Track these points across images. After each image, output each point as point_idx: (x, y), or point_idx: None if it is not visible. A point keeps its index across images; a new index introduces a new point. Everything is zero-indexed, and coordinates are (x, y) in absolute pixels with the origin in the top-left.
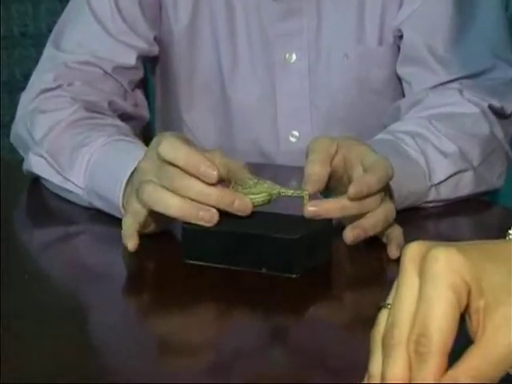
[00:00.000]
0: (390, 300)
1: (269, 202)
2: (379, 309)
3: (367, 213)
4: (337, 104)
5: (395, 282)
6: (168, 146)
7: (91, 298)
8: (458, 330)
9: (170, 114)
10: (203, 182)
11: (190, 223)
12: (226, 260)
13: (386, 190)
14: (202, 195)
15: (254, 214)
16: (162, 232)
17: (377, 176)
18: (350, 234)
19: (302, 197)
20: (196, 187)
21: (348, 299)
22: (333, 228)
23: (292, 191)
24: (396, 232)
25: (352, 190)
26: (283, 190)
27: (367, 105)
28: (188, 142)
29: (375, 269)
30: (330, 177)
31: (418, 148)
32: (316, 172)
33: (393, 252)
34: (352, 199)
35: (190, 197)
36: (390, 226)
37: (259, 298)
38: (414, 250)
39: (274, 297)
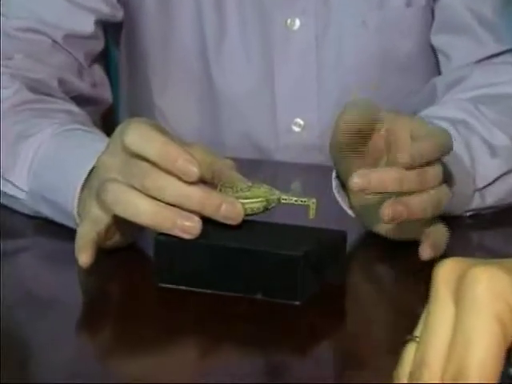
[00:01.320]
0: (418, 332)
1: (265, 209)
2: (405, 343)
3: (409, 193)
4: (352, 85)
5: (425, 309)
6: (136, 135)
7: (38, 332)
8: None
9: (138, 97)
10: (182, 180)
11: (164, 234)
12: (210, 283)
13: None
14: (181, 197)
15: (246, 223)
16: (129, 246)
17: (434, 141)
18: (388, 210)
19: (308, 205)
20: (173, 187)
21: (366, 332)
22: (346, 242)
23: (295, 198)
24: (440, 231)
25: (404, 154)
26: (284, 197)
27: (392, 85)
28: (162, 131)
29: (401, 294)
30: (363, 156)
31: (461, 139)
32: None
33: (426, 252)
34: (408, 167)
35: (165, 199)
36: (434, 221)
37: (253, 331)
38: (448, 268)
39: (272, 330)
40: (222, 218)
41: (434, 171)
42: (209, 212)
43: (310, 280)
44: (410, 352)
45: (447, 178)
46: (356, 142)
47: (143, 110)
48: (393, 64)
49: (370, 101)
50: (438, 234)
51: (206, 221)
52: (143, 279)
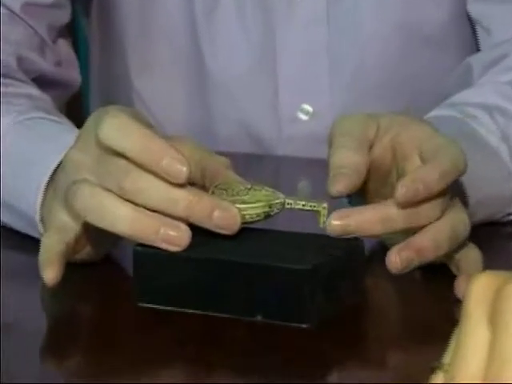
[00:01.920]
0: (447, 359)
1: (267, 216)
2: (432, 371)
3: (424, 226)
4: (370, 63)
5: (455, 333)
6: (113, 126)
7: None
8: None
9: (112, 78)
10: (167, 181)
11: (145, 245)
12: (200, 303)
13: (455, 192)
14: (165, 202)
15: (243, 232)
16: (102, 259)
17: (441, 167)
18: (395, 259)
19: (318, 211)
20: (156, 190)
21: (387, 360)
22: (364, 254)
23: (303, 202)
24: (471, 257)
25: (401, 189)
26: (289, 201)
27: (418, 64)
28: (143, 122)
29: (428, 314)
30: (368, 174)
31: (499, 131)
32: (348, 163)
33: (463, 288)
34: (401, 205)
35: (147, 204)
36: (461, 246)
37: (253, 360)
38: (482, 284)
39: (275, 359)
40: (214, 227)
41: (433, 205)
42: (199, 219)
43: (321, 299)
44: (437, 382)
45: (471, 197)
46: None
47: (118, 94)
48: (420, 37)
49: (360, 120)
50: (472, 259)
51: (196, 230)
52: (119, 298)
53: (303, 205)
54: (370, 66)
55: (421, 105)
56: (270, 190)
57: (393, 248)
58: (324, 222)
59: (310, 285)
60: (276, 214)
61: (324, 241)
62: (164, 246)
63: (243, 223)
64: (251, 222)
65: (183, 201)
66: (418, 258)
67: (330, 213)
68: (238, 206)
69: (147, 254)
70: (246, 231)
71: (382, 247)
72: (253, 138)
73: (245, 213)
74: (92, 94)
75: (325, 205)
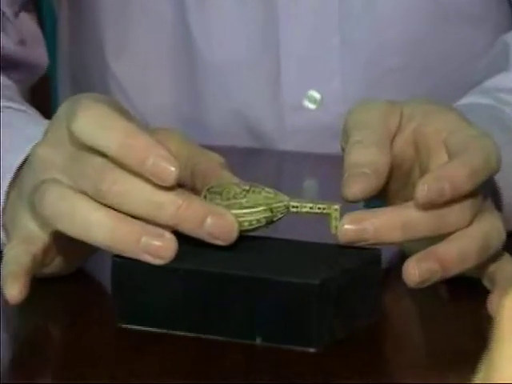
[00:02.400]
0: (478, 380)
1: (269, 222)
2: None
3: (450, 234)
4: (388, 42)
5: (486, 357)
6: (90, 119)
7: None
8: None
9: (85, 60)
10: (152, 183)
11: (124, 257)
12: (192, 324)
13: (487, 193)
14: (150, 207)
15: (241, 241)
16: (76, 273)
17: (471, 164)
18: (413, 270)
19: (329, 214)
20: (138, 193)
21: None
22: (381, 265)
23: (310, 205)
24: (507, 269)
25: (423, 189)
26: (295, 204)
27: (446, 43)
28: (124, 113)
29: (456, 336)
30: (389, 172)
31: None
32: (367, 161)
33: (496, 305)
34: (423, 207)
35: (128, 210)
36: (494, 257)
37: None
38: None
39: None
40: (207, 237)
41: (461, 208)
42: (189, 228)
43: (330, 318)
44: None
45: (507, 197)
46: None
47: (91, 78)
48: (448, 13)
49: (378, 108)
50: (507, 274)
51: (186, 239)
52: (95, 319)
53: (310, 207)
54: (389, 46)
55: (446, 93)
56: (272, 191)
57: (411, 257)
58: (336, 227)
59: (319, 302)
60: (279, 219)
61: (335, 251)
62: (146, 258)
63: (241, 231)
64: (250, 230)
65: (170, 206)
66: (442, 270)
67: (342, 216)
68: (235, 211)
69: (128, 266)
70: (244, 240)
71: (403, 258)
72: (251, 131)
73: (243, 219)
74: (60, 79)
75: (336, 206)
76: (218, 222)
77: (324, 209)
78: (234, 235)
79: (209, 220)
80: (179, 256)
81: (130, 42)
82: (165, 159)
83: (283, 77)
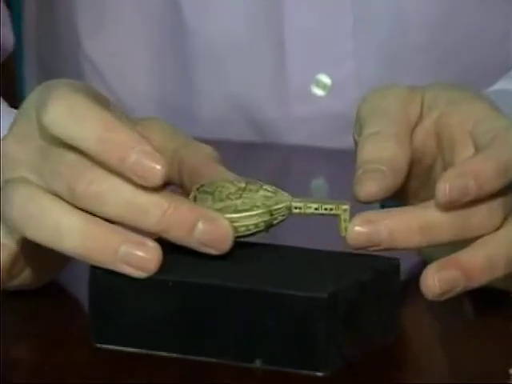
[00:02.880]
0: None
1: (268, 226)
2: None
3: (476, 239)
4: (412, 18)
5: None
6: (63, 109)
7: None
8: None
9: (55, 39)
10: (134, 184)
11: (103, 268)
12: (181, 344)
13: None
14: (131, 211)
15: (238, 249)
16: (48, 286)
17: (499, 158)
18: (433, 280)
19: (338, 215)
20: (119, 194)
21: None
22: (399, 276)
23: (316, 205)
24: None
25: (444, 186)
26: (298, 204)
27: (478, 19)
28: (103, 102)
29: (484, 357)
30: (409, 169)
31: None
32: (383, 157)
33: None
34: (444, 207)
35: (107, 215)
36: None
37: None
38: None
39: None
40: (197, 245)
41: (488, 209)
42: (176, 235)
43: (341, 337)
44: None
45: None
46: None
47: (63, 60)
48: None
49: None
50: None
51: (170, 248)
52: (71, 338)
53: (316, 208)
54: (410, 22)
55: (475, 78)
56: (271, 189)
57: (430, 265)
58: (346, 229)
59: (327, 319)
60: (280, 222)
61: (345, 259)
62: (125, 269)
63: (236, 238)
64: (247, 236)
65: (155, 210)
66: (465, 280)
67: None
68: (229, 215)
69: (108, 278)
70: (241, 247)
71: (425, 268)
72: (250, 121)
73: (238, 224)
74: (27, 61)
75: (346, 206)
76: (210, 229)
77: (331, 209)
78: (228, 243)
79: (199, 226)
80: (165, 267)
81: (107, 18)
82: (149, 156)
83: (288, 58)
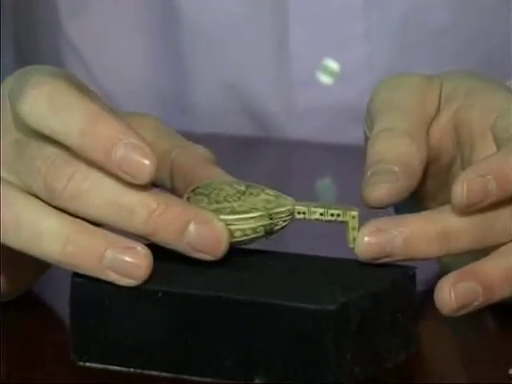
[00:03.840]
0: None
1: (268, 233)
2: None
3: (499, 246)
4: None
5: None
6: (41, 99)
7: None
8: None
9: (32, 21)
10: (120, 181)
11: (86, 276)
12: (172, 361)
13: None
14: (116, 211)
15: (236, 257)
16: (26, 297)
17: None
18: (447, 294)
19: (346, 222)
20: (102, 193)
21: None
22: (416, 286)
23: (321, 210)
24: None
25: (460, 189)
26: (301, 209)
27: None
28: (85, 91)
29: (506, 376)
30: (425, 169)
31: None
32: (396, 156)
33: None
34: (461, 211)
35: (89, 215)
36: None
37: None
38: None
39: None
40: (189, 250)
41: (510, 213)
42: (165, 238)
43: (351, 353)
44: None
45: None
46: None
47: (41, 45)
48: None
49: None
50: None
51: (163, 253)
52: (50, 355)
53: (321, 213)
54: (429, 3)
55: (504, 65)
56: (273, 193)
57: (446, 276)
58: (354, 240)
59: (336, 333)
60: (282, 228)
61: (356, 268)
62: (112, 277)
63: (233, 243)
64: (244, 242)
65: (142, 210)
66: (484, 293)
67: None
68: (224, 217)
69: (92, 287)
70: (240, 254)
71: (434, 277)
72: (249, 112)
73: (234, 227)
74: (1, 45)
75: (355, 213)
76: (203, 231)
77: (338, 215)
78: (222, 248)
79: (191, 228)
80: (156, 275)
81: None
82: (137, 150)
83: (292, 41)
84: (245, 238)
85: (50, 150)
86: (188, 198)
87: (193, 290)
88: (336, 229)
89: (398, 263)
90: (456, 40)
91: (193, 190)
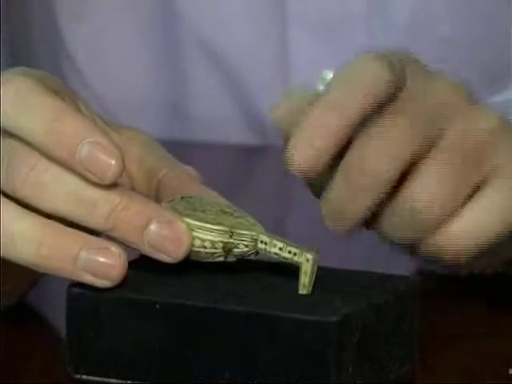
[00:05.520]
0: None
1: (226, 251)
2: None
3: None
4: (440, 2)
5: None
6: (9, 94)
7: None
8: None
9: (29, 25)
10: (85, 180)
11: (83, 287)
12: (169, 374)
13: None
14: (77, 204)
15: (235, 267)
16: (18, 307)
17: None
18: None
19: (300, 263)
20: (65, 186)
21: None
22: (416, 296)
23: (281, 245)
24: None
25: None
26: (264, 238)
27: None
28: (63, 92)
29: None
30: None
31: None
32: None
33: None
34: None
35: (49, 208)
36: None
37: None
38: None
39: None
40: (148, 249)
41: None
42: (125, 235)
43: (353, 367)
44: None
45: None
46: None
47: (36, 47)
48: None
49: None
50: None
51: (158, 264)
52: (45, 368)
53: (280, 248)
54: (437, 8)
55: (496, 74)
56: (253, 221)
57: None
58: (304, 286)
59: (337, 345)
60: (245, 254)
61: (356, 278)
62: (88, 278)
63: (192, 252)
64: (202, 256)
65: (104, 204)
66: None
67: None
68: (188, 220)
69: (88, 298)
70: (238, 264)
71: (443, 288)
72: (250, 121)
73: (195, 234)
74: None
75: (309, 256)
76: (164, 231)
77: (295, 254)
78: (183, 250)
79: (151, 227)
80: (153, 286)
81: (88, 3)
82: (103, 149)
83: (292, 51)
84: (202, 250)
85: (14, 142)
86: (170, 201)
87: (191, 302)
88: (336, 238)
89: (399, 274)
90: (458, 49)
91: (182, 197)
